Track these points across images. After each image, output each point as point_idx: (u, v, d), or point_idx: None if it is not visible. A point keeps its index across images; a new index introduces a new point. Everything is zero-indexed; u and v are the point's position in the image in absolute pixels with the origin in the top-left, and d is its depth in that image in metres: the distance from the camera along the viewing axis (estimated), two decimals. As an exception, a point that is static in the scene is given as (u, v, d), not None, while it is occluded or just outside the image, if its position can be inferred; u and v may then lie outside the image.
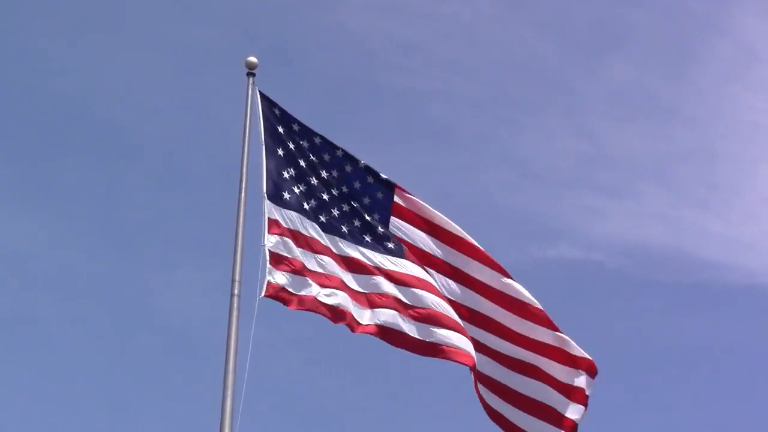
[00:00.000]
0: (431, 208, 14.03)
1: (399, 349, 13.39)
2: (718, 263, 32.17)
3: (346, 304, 13.19)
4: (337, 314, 13.11)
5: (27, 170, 33.01)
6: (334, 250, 13.49)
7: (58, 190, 32.90)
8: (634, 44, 34.97)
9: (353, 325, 13.18)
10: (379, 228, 13.81)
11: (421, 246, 13.92)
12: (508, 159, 33.50)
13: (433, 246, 13.94)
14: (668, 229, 33.09)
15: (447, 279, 13.83)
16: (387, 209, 13.96)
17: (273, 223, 13.10)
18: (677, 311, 32.51)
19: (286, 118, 13.88)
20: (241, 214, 13.03)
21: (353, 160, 14.00)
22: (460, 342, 13.32)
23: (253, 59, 13.91)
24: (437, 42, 34.60)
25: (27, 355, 30.20)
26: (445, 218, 14.00)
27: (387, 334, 13.34)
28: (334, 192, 13.80)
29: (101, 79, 33.42)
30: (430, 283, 13.64)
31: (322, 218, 13.58)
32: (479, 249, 13.89)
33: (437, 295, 13.57)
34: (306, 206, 13.52)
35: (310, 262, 13.21)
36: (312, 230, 13.43)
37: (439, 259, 13.92)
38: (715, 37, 34.74)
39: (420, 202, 14.04)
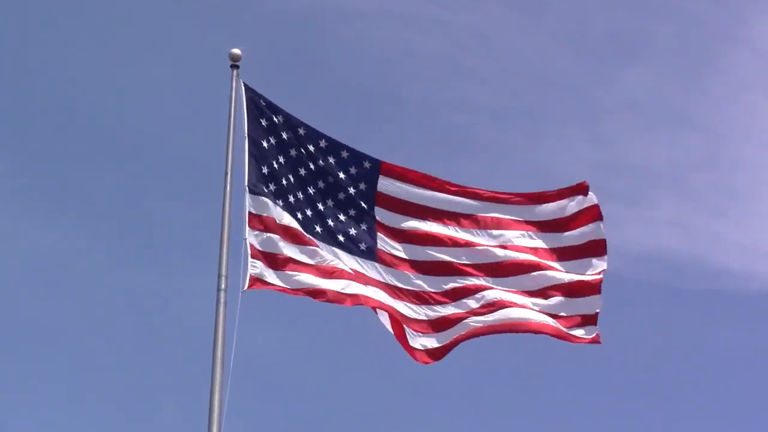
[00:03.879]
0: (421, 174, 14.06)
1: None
2: (736, 270, 31.95)
3: (336, 287, 13.16)
4: (322, 294, 13.07)
5: (50, 178, 33.16)
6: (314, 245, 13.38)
7: (80, 197, 33.05)
8: (652, 53, 34.87)
9: (342, 299, 13.16)
10: (356, 226, 13.73)
11: (417, 202, 13.95)
12: (526, 167, 33.35)
13: (437, 197, 14.01)
14: (685, 237, 32.83)
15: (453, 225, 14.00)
16: (371, 193, 13.87)
17: (254, 218, 12.97)
18: (694, 319, 32.33)
19: (272, 109, 13.67)
20: (227, 208, 12.84)
21: (336, 150, 13.84)
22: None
23: (236, 51, 13.58)
24: (456, 52, 34.56)
25: (50, 361, 30.33)
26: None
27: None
28: (313, 189, 13.69)
29: (113, 85, 33.58)
30: (395, 287, 13.62)
31: (299, 215, 13.42)
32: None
33: (402, 299, 13.60)
34: (290, 199, 13.40)
35: (295, 253, 13.08)
36: (296, 222, 13.28)
37: (441, 209, 14.03)
38: (732, 46, 34.63)
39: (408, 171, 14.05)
